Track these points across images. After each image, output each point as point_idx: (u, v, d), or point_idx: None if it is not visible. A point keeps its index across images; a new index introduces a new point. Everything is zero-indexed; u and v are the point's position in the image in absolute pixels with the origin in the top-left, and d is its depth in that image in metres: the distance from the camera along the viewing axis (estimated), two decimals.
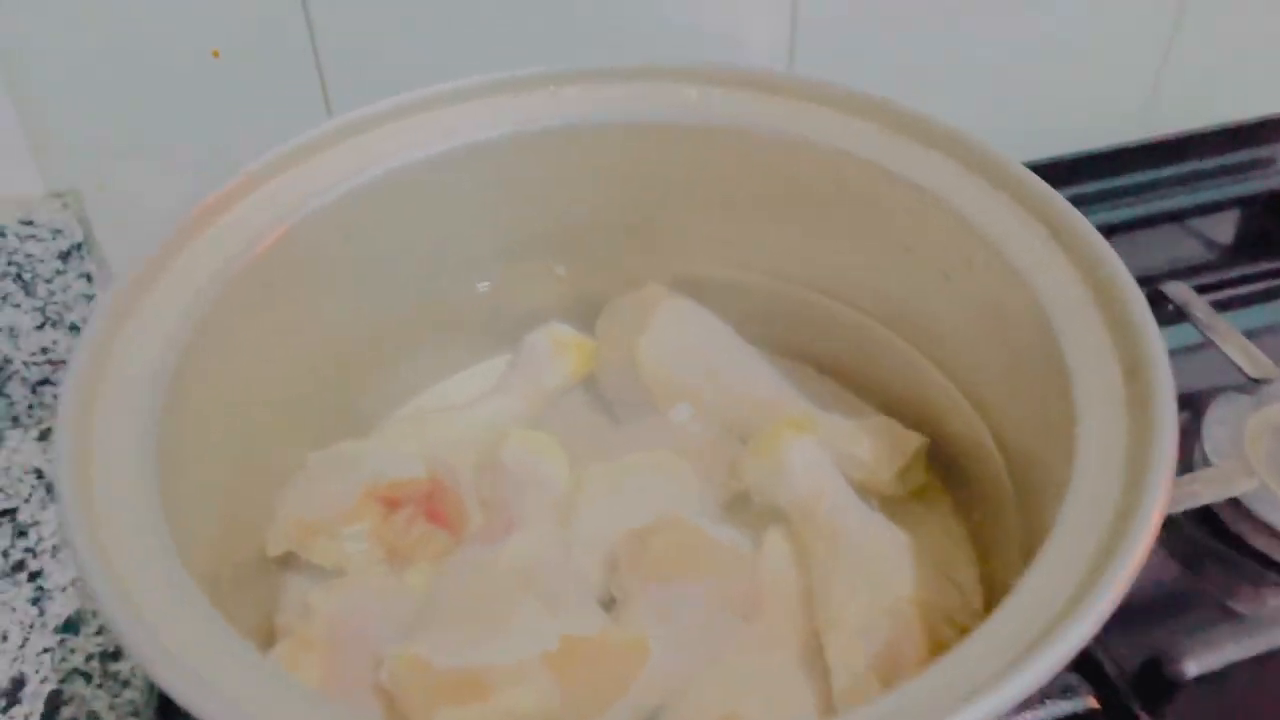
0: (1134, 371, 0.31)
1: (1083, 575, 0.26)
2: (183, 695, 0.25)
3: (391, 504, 0.39)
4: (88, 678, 0.45)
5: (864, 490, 0.41)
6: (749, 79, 0.42)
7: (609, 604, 0.38)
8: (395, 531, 0.39)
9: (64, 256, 0.52)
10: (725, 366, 0.45)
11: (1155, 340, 0.31)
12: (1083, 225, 0.35)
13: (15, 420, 0.56)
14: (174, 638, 0.26)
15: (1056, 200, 0.36)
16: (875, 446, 0.41)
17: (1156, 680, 0.43)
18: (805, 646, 0.36)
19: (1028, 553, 0.31)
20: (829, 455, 0.41)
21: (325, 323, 0.41)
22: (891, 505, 0.41)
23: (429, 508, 0.39)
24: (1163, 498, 0.27)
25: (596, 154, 0.44)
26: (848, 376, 0.46)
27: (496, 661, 0.33)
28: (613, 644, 0.34)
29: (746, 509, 0.41)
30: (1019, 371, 0.36)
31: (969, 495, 0.41)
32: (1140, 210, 0.65)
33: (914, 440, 0.42)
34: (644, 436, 0.43)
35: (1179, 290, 0.57)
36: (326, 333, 0.42)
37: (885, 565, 0.36)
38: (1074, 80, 0.64)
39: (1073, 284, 0.34)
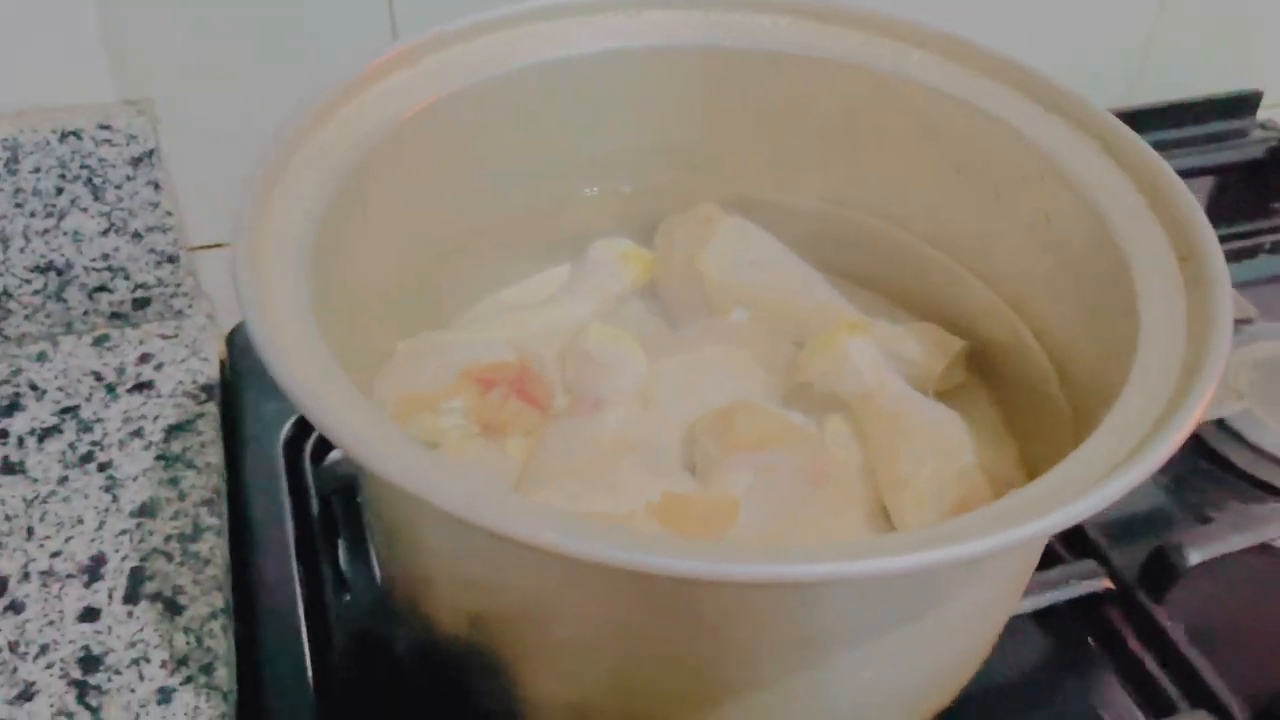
0: (1188, 257, 0.35)
1: (1160, 412, 0.30)
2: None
3: (486, 384, 0.42)
4: (168, 557, 0.47)
5: (910, 385, 0.45)
6: (815, 10, 0.46)
7: (693, 472, 0.41)
8: (490, 408, 0.41)
9: (135, 163, 0.54)
10: (782, 276, 0.48)
11: (1207, 228, 0.35)
12: (1134, 138, 0.39)
13: (69, 326, 0.57)
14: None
15: (1107, 117, 0.40)
16: (922, 348, 0.45)
17: (1162, 568, 0.48)
18: (871, 513, 0.40)
19: (1078, 433, 0.35)
20: (883, 354, 0.44)
21: (422, 219, 0.44)
22: (935, 399, 0.45)
23: (520, 388, 0.42)
24: (1225, 350, 0.31)
25: (671, 76, 0.47)
26: (893, 293, 0.50)
27: (609, 510, 0.36)
28: (708, 501, 0.38)
29: (805, 400, 0.45)
30: (1070, 280, 0.41)
31: (1006, 389, 0.45)
32: None
33: (956, 343, 0.46)
34: (705, 335, 0.47)
35: None
36: (421, 228, 0.44)
37: (949, 439, 0.40)
38: (1062, 48, 0.69)
39: (1126, 191, 0.38)
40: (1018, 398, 0.45)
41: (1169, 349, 0.33)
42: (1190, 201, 0.36)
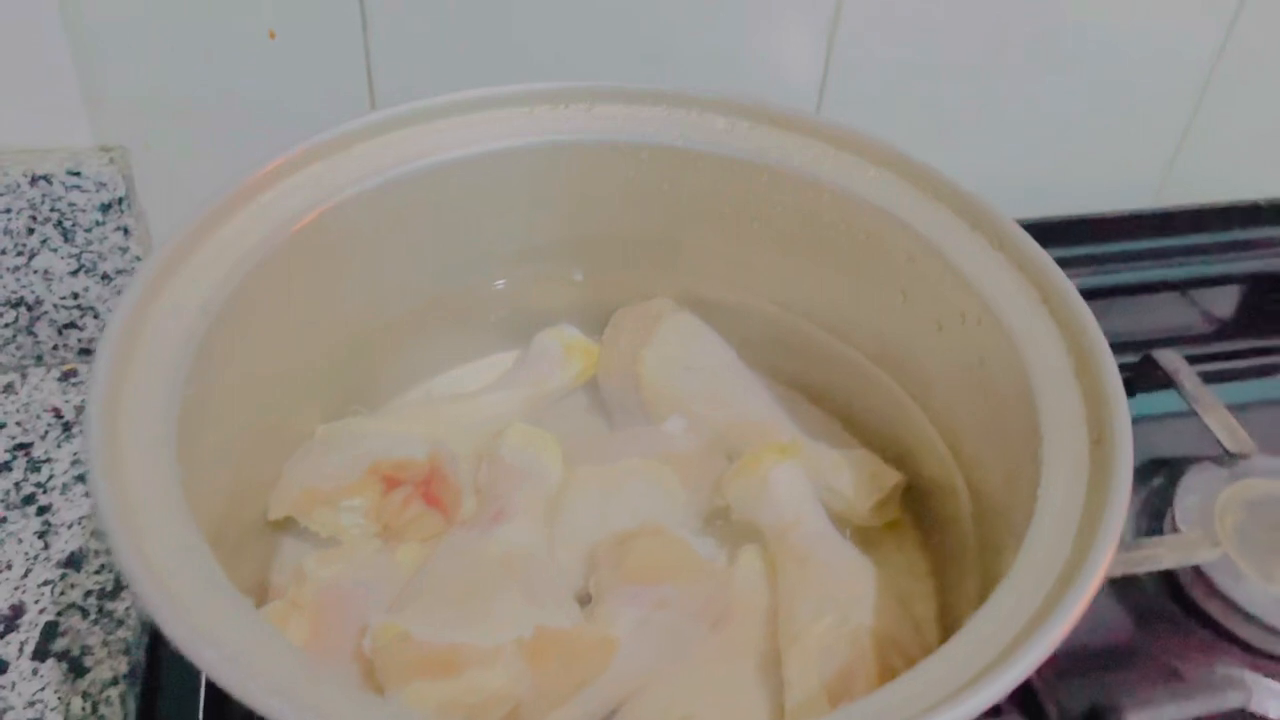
0: (1100, 441, 0.33)
1: (1025, 624, 0.28)
2: (179, 638, 0.27)
3: (391, 482, 0.41)
4: (84, 613, 0.47)
5: (840, 519, 0.43)
6: (774, 116, 0.44)
7: (585, 600, 0.40)
8: (391, 509, 0.41)
9: (105, 209, 0.54)
10: (721, 384, 0.47)
11: (1123, 416, 0.33)
12: (1072, 294, 0.36)
13: (39, 359, 0.58)
14: (179, 585, 0.28)
15: (1050, 266, 0.38)
16: (855, 478, 0.43)
17: None
18: (765, 660, 0.38)
19: (985, 594, 0.33)
20: (810, 482, 0.42)
21: (348, 304, 0.44)
22: (863, 535, 0.43)
23: (426, 490, 0.41)
24: (1104, 566, 0.29)
25: (624, 171, 0.46)
26: (837, 408, 0.48)
27: (474, 642, 0.35)
28: (584, 638, 0.36)
29: (727, 523, 0.43)
30: (996, 426, 0.38)
31: (936, 535, 0.43)
32: (1145, 276, 0.67)
33: (892, 477, 0.44)
34: (636, 444, 0.45)
35: (1170, 358, 0.59)
36: (348, 314, 0.44)
37: (850, 592, 0.38)
38: (1096, 144, 0.66)
39: (1056, 350, 0.36)
40: (945, 543, 0.42)
41: (1054, 548, 0.30)
42: (1114, 375, 0.34)
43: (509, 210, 0.46)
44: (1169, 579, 0.54)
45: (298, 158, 0.40)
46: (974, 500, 0.40)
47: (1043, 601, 0.29)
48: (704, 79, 0.56)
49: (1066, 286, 0.37)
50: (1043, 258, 0.38)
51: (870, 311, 0.45)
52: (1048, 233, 0.42)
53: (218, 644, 0.27)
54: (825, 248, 0.45)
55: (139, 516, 0.30)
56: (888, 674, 0.35)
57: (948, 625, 0.40)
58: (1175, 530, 0.52)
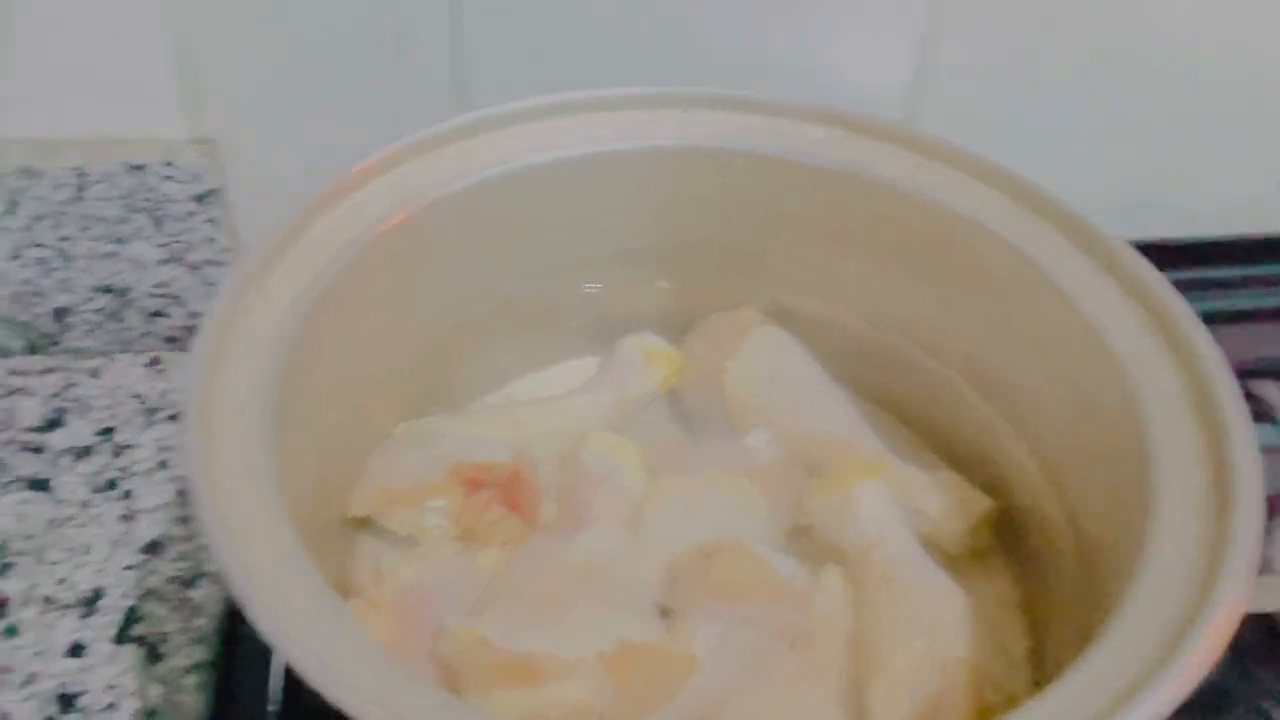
0: (1221, 479, 0.31)
1: (1138, 674, 0.27)
2: (268, 632, 0.27)
3: (473, 484, 0.41)
4: (163, 599, 0.47)
5: (926, 543, 0.42)
6: (871, 127, 0.43)
7: (664, 612, 0.39)
8: (473, 512, 0.40)
9: (197, 199, 0.55)
10: (807, 398, 0.46)
11: (1250, 451, 0.31)
12: (1190, 319, 0.35)
13: (126, 345, 0.59)
14: (273, 583, 0.28)
15: (1164, 289, 0.36)
16: (943, 502, 0.42)
17: None
18: (846, 686, 0.37)
19: (1085, 634, 0.32)
20: (896, 503, 0.41)
21: (433, 305, 0.43)
22: (949, 562, 0.42)
23: (507, 494, 0.41)
24: (1232, 619, 0.27)
25: (717, 178, 0.45)
26: (926, 429, 0.47)
27: (554, 651, 0.34)
28: (665, 653, 0.36)
29: (808, 541, 0.42)
30: (1101, 455, 0.37)
31: (1029, 566, 0.42)
32: (1243, 303, 0.64)
33: (982, 502, 0.42)
34: (718, 455, 0.44)
35: (1267, 389, 0.57)
36: (432, 314, 0.44)
37: (940, 619, 0.37)
38: (1208, 166, 0.64)
39: (1169, 378, 0.34)
40: (1040, 576, 0.41)
41: (1169, 591, 0.29)
42: (1238, 406, 0.32)
43: (598, 215, 0.46)
44: (1265, 621, 0.51)
45: (390, 158, 0.40)
46: (1073, 531, 0.38)
47: (1157, 649, 0.27)
48: (791, 88, 0.55)
49: (1183, 310, 0.35)
50: (1157, 279, 0.37)
51: (966, 330, 0.43)
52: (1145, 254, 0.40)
53: (311, 646, 0.27)
54: (919, 262, 0.43)
55: (233, 512, 0.30)
56: (982, 709, 0.34)
57: (1041, 663, 0.38)
58: (1273, 571, 0.50)
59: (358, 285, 0.39)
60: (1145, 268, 0.37)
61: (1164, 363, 0.35)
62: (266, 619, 0.27)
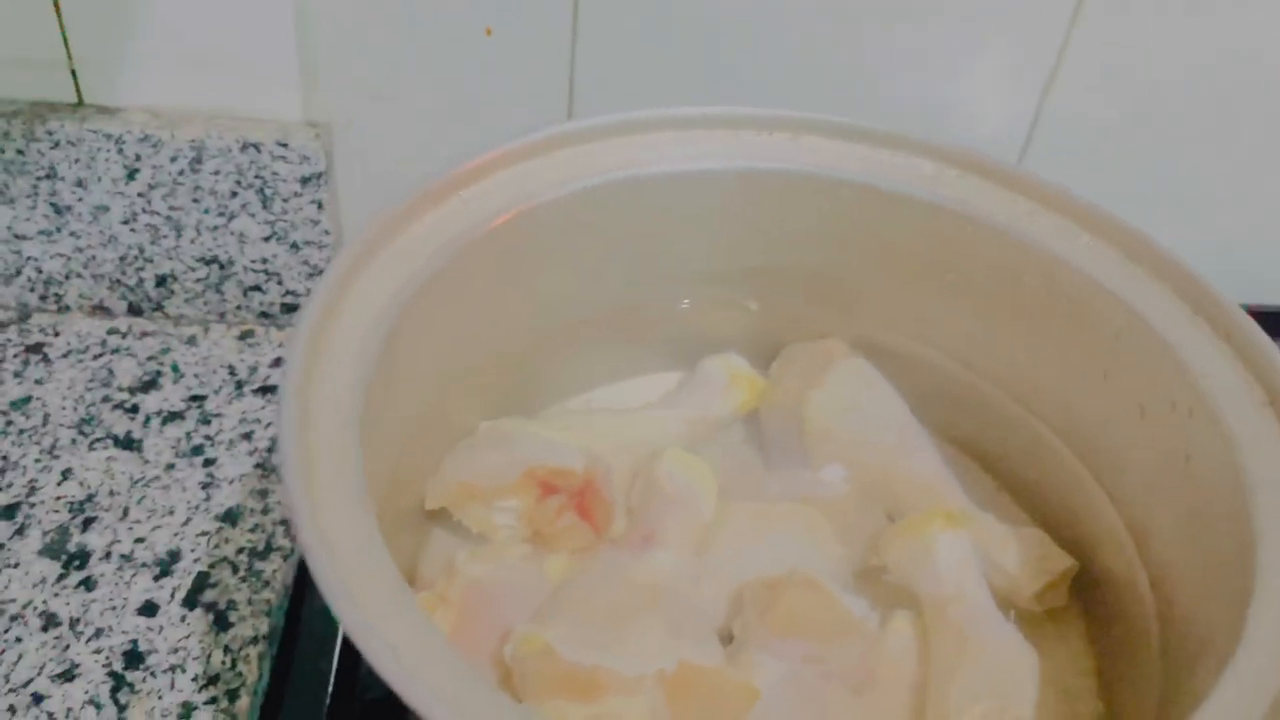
0: None
1: None
2: (347, 620, 0.27)
3: (547, 489, 0.41)
4: (235, 568, 0.48)
5: (1001, 598, 0.40)
6: (985, 167, 0.43)
7: (726, 639, 0.39)
8: (544, 516, 0.40)
9: (304, 181, 0.56)
10: (889, 437, 0.45)
11: None
12: None
13: (222, 316, 0.61)
14: (349, 568, 0.28)
15: None
16: (1023, 557, 0.41)
17: None
18: None
19: (1164, 705, 0.31)
20: (975, 555, 0.40)
21: (526, 307, 0.44)
22: (1023, 619, 0.41)
23: (580, 502, 0.41)
24: None
25: (821, 205, 0.44)
26: (1009, 480, 0.46)
27: (617, 668, 0.34)
28: (726, 681, 0.35)
29: (878, 583, 0.41)
30: (1199, 529, 0.36)
31: (1107, 630, 0.40)
32: None
33: (1064, 561, 0.41)
34: (791, 485, 0.44)
35: None
36: (527, 315, 0.44)
37: (1011, 679, 0.36)
38: None
39: None
40: (1116, 641, 0.39)
41: (1269, 677, 0.28)
42: None
43: (700, 231, 0.45)
44: None
45: (502, 157, 0.40)
46: (1159, 602, 0.37)
47: None
48: (900, 121, 0.54)
49: None
50: (1273, 351, 0.35)
51: (1064, 384, 0.42)
52: (1264, 323, 0.39)
53: (385, 638, 0.27)
54: (1022, 311, 0.42)
55: (321, 494, 0.30)
56: None
57: None
58: None
59: (458, 281, 0.39)
60: (1265, 341, 0.36)
61: (1278, 445, 0.33)
62: (346, 607, 0.27)
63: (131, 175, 0.55)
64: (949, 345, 0.46)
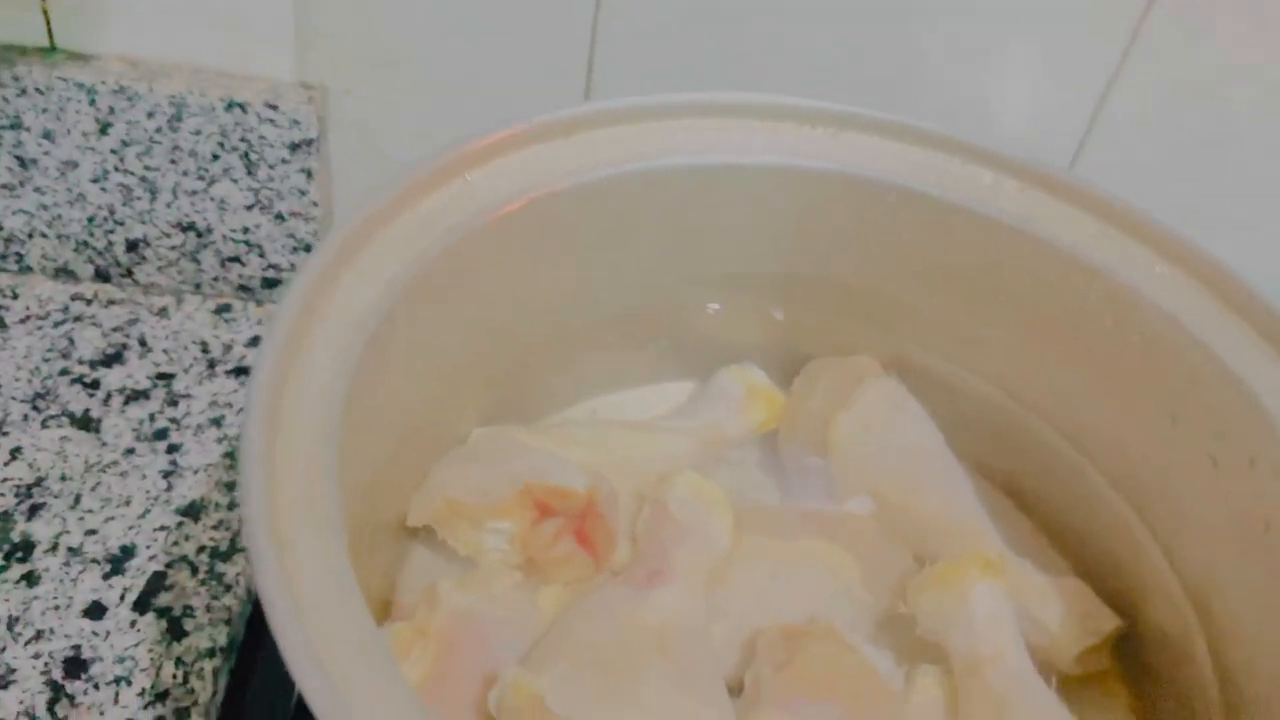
0: None
1: None
2: (294, 658, 0.23)
3: (544, 510, 0.37)
4: (194, 569, 0.44)
5: (1037, 657, 0.37)
6: (1054, 183, 0.38)
7: (735, 688, 0.35)
8: (540, 541, 0.36)
9: (293, 148, 0.51)
10: (922, 470, 0.41)
11: None
12: None
13: (198, 287, 0.56)
14: (306, 588, 0.24)
15: None
16: (1065, 616, 0.37)
17: None
18: None
19: None
20: (1013, 609, 0.36)
21: (533, 306, 0.39)
22: (1061, 684, 0.37)
23: (579, 527, 0.37)
24: None
25: (862, 210, 0.40)
26: (1050, 525, 0.42)
27: None
28: None
29: (901, 633, 0.37)
30: (1268, 587, 0.32)
31: (1153, 698, 0.36)
32: None
33: (1109, 621, 0.37)
34: (815, 522, 0.40)
35: None
36: (530, 315, 0.40)
37: None
38: None
39: None
40: (1164, 705, 0.36)
41: None
42: None
43: (721, 230, 0.41)
44: None
45: (514, 138, 0.36)
46: (1220, 675, 0.33)
47: None
48: (946, 116, 0.50)
49: None
50: None
51: (1123, 426, 0.38)
52: None
53: (337, 683, 0.23)
54: (1082, 341, 0.38)
55: (285, 505, 0.26)
56: None
57: None
58: None
59: (458, 273, 0.35)
60: None
61: None
62: (294, 645, 0.23)
63: (104, 129, 0.50)
64: (993, 371, 0.42)
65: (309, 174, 0.52)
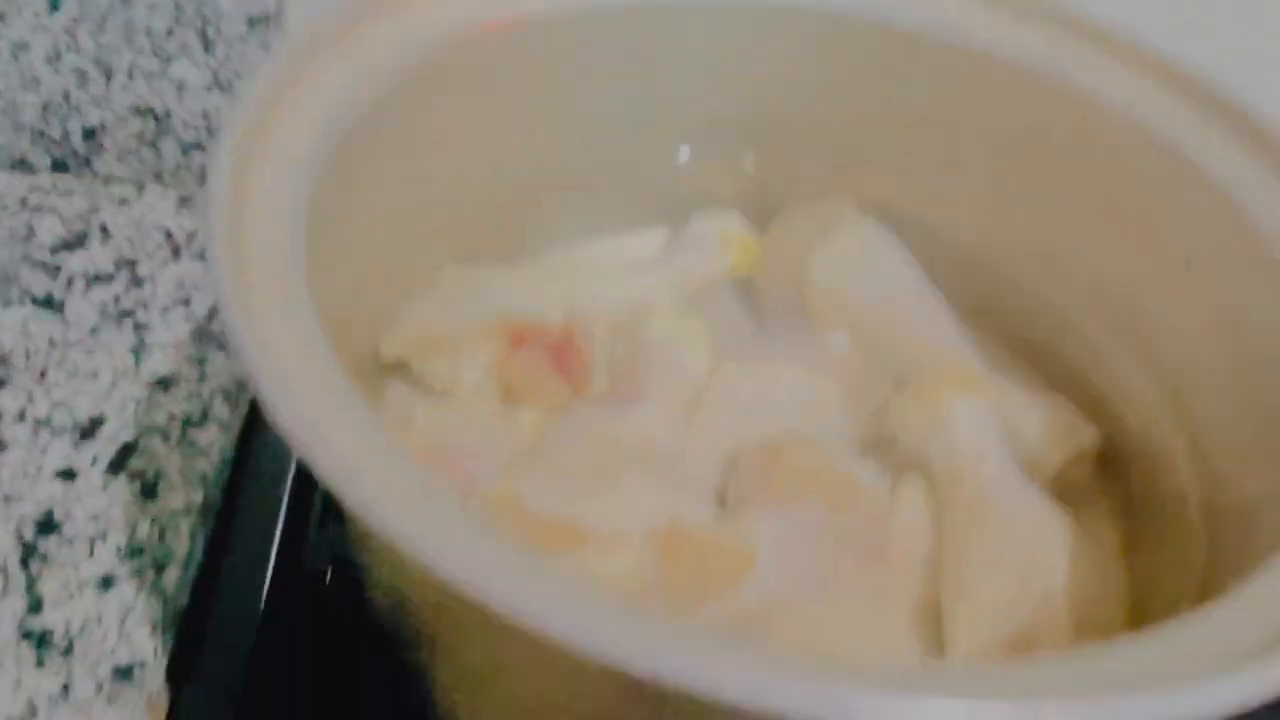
0: None
1: None
2: (295, 433, 0.23)
3: (519, 339, 0.36)
4: (165, 436, 0.43)
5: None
6: (1034, 6, 0.38)
7: (721, 502, 0.35)
8: (516, 368, 0.36)
9: (252, 23, 0.50)
10: (900, 302, 0.41)
11: None
12: None
13: (159, 176, 0.55)
14: (299, 385, 0.24)
15: None
16: (1046, 427, 0.37)
17: None
18: (920, 609, 0.33)
19: (1208, 584, 0.27)
20: (995, 422, 0.36)
21: (504, 141, 0.39)
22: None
23: (556, 356, 0.36)
24: None
25: (831, 45, 0.40)
26: (1026, 349, 0.42)
27: (596, 524, 0.30)
28: (722, 543, 0.31)
29: (887, 453, 0.37)
30: (1251, 387, 0.32)
31: (1135, 506, 0.37)
32: None
33: (1088, 433, 0.37)
34: (793, 350, 0.40)
35: None
36: (502, 152, 0.39)
37: (1039, 548, 0.32)
38: None
39: None
40: (1145, 520, 0.36)
41: None
42: None
43: (694, 70, 0.41)
44: None
45: None
46: (1200, 471, 0.33)
47: None
48: None
49: None
50: None
51: (1096, 243, 0.38)
52: None
53: (342, 455, 0.23)
54: (1073, 179, 0.38)
55: (260, 319, 0.25)
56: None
57: (1140, 623, 0.34)
58: None
59: (420, 101, 0.34)
60: None
61: None
62: (294, 421, 0.23)
63: (55, 5, 0.49)
64: (972, 212, 0.42)
65: (269, 51, 0.51)
